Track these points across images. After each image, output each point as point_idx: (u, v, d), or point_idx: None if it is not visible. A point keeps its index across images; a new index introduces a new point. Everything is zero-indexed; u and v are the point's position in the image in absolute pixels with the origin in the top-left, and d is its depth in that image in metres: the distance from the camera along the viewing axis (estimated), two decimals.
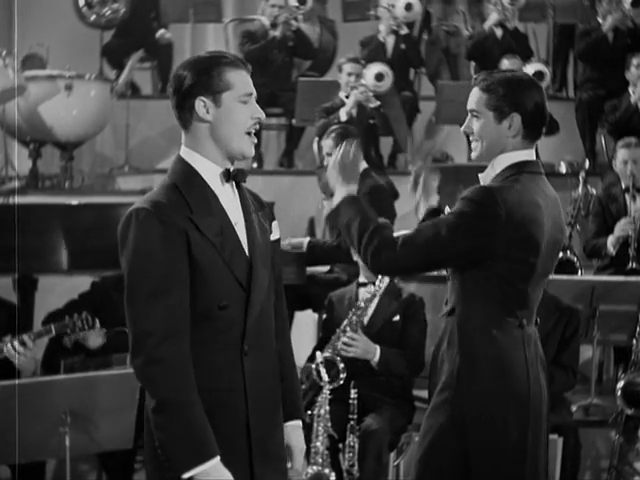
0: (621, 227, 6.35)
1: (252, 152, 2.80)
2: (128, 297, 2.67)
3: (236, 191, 2.83)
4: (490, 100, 3.10)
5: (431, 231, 3.03)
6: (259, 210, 2.87)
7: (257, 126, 2.78)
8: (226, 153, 2.77)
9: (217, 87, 2.71)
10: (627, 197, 6.49)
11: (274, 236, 2.91)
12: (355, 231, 3.10)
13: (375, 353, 4.91)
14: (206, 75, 2.71)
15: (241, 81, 2.73)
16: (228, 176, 2.79)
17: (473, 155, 3.17)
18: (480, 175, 3.15)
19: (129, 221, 2.67)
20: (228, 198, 2.79)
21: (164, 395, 2.64)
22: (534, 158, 3.15)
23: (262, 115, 2.77)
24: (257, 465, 2.76)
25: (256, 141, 2.80)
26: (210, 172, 2.77)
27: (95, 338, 5.08)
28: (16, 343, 4.58)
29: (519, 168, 3.09)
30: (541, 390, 3.09)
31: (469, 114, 3.15)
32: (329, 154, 6.77)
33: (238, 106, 2.73)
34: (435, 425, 3.09)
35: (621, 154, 6.55)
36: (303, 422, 3.02)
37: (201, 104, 2.71)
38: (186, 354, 2.66)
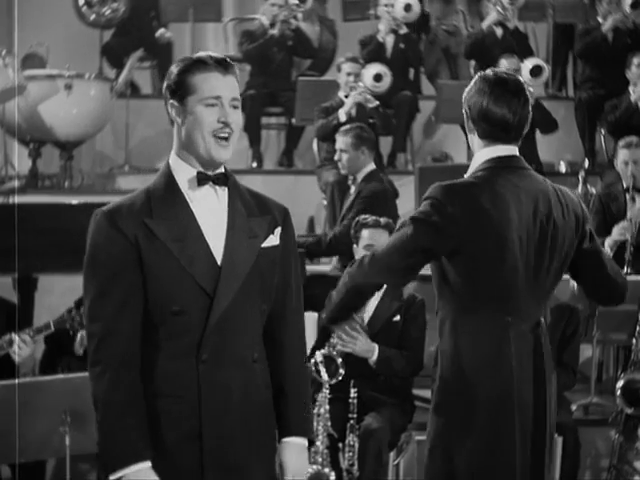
0: (619, 231, 6.34)
1: (222, 156, 2.72)
2: (83, 298, 2.73)
3: (222, 194, 2.76)
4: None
5: (393, 238, 3.17)
6: (258, 215, 2.79)
7: (227, 130, 2.70)
8: (196, 157, 2.73)
9: (183, 91, 2.71)
10: (627, 197, 6.49)
11: (271, 243, 2.79)
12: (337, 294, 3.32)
13: (373, 352, 4.91)
14: (175, 79, 2.73)
15: (207, 84, 2.70)
16: (203, 179, 2.73)
17: None
18: (466, 174, 3.21)
19: (90, 223, 2.72)
20: (206, 202, 2.74)
21: (97, 395, 2.68)
22: (510, 153, 3.17)
23: (228, 119, 2.69)
24: (209, 478, 2.69)
25: (227, 145, 2.71)
26: (186, 176, 2.74)
27: None
28: (16, 338, 4.57)
29: (493, 163, 3.13)
30: (530, 392, 3.03)
31: None
32: (344, 151, 6.81)
33: (202, 110, 2.69)
34: (430, 431, 3.12)
35: (622, 154, 6.53)
36: (311, 442, 2.89)
37: (173, 108, 2.74)
38: (122, 356, 2.65)
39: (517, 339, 3.03)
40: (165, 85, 2.77)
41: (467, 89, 3.18)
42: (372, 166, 6.85)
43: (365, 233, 5.18)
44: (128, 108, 8.57)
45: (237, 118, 2.73)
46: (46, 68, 8.43)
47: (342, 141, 6.82)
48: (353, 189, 6.84)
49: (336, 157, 6.89)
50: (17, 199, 6.94)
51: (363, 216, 5.33)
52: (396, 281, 3.30)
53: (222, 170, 2.77)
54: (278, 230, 2.82)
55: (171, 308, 2.66)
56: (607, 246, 6.35)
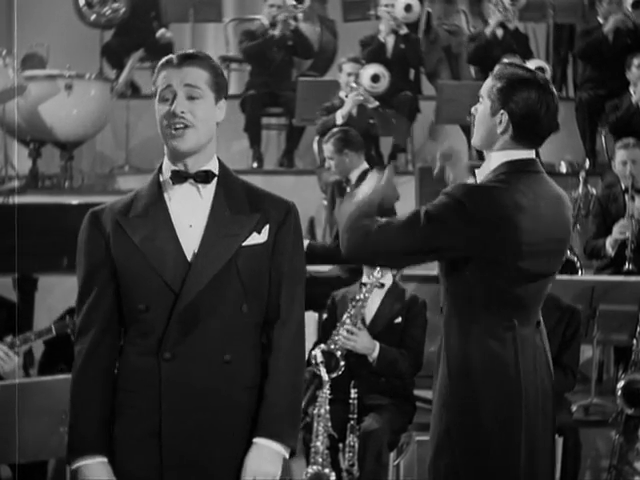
0: (619, 229, 6.36)
1: (179, 146, 2.67)
2: None
3: (206, 192, 2.73)
4: (492, 89, 3.01)
5: (407, 219, 2.97)
6: (245, 213, 2.72)
7: (176, 120, 2.66)
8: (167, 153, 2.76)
9: (155, 92, 2.75)
10: (626, 197, 6.49)
11: (254, 241, 2.71)
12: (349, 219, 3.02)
13: (374, 349, 4.91)
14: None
15: (160, 78, 2.73)
16: (176, 178, 2.72)
17: (472, 140, 3.14)
18: (476, 171, 3.10)
19: None
20: (186, 200, 2.73)
21: (70, 387, 2.76)
22: (531, 156, 3.07)
23: (177, 109, 2.65)
24: (169, 476, 2.68)
25: (182, 133, 2.66)
26: (167, 174, 2.76)
27: None
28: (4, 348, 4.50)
29: (512, 167, 3.02)
30: (537, 392, 3.02)
31: None
32: (330, 158, 6.80)
33: (158, 105, 2.71)
34: (434, 433, 3.07)
35: (620, 155, 6.56)
36: (293, 453, 2.76)
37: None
38: (89, 350, 2.71)
39: (523, 341, 3.00)
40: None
41: (504, 86, 2.98)
42: (364, 166, 6.81)
43: None
44: (128, 108, 8.57)
45: (194, 108, 2.67)
46: (46, 68, 8.44)
47: (326, 149, 6.82)
48: (348, 191, 6.83)
49: (326, 165, 6.90)
50: (17, 199, 6.94)
51: None
52: (394, 267, 3.18)
53: (206, 168, 2.73)
54: (266, 228, 2.73)
55: (137, 306, 2.70)
56: (608, 245, 6.36)
